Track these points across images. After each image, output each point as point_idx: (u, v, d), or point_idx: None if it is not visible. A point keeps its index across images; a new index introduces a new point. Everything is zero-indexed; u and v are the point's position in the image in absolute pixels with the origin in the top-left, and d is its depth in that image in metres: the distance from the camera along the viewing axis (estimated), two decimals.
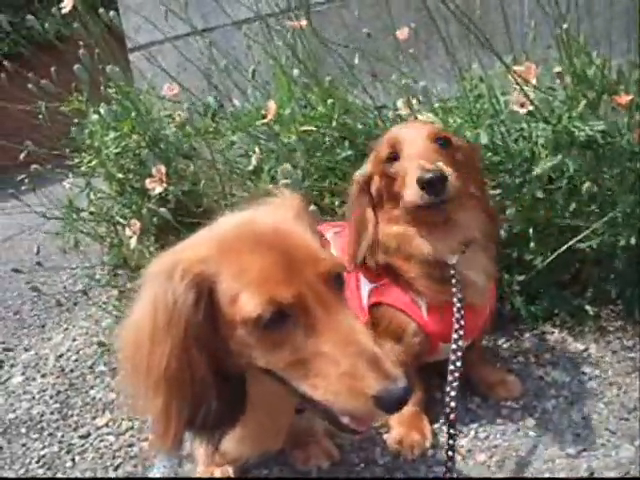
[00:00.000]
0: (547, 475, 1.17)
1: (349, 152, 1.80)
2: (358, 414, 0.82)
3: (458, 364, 1.14)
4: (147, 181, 1.74)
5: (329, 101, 1.81)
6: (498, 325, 1.64)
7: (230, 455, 1.14)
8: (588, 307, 1.62)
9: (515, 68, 1.42)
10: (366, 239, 1.28)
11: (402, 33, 1.81)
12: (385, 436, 1.34)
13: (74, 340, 2.14)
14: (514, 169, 1.55)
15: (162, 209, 1.78)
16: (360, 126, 1.87)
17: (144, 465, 1.40)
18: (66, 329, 2.28)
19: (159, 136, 2.19)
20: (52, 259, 2.99)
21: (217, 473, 1.22)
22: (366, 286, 1.35)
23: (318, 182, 1.86)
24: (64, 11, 1.87)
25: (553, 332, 1.65)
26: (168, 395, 0.82)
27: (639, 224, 1.45)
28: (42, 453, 1.52)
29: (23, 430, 1.64)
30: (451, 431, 1.07)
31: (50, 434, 1.59)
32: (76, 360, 1.99)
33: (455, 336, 1.17)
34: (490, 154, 1.58)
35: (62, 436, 1.57)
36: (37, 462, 1.49)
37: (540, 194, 1.52)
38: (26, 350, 2.16)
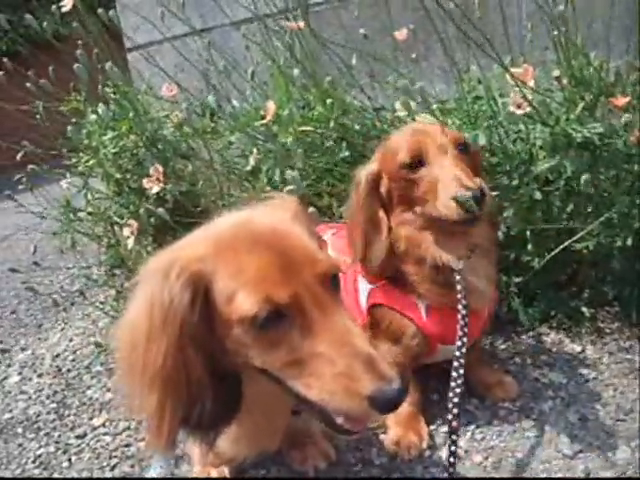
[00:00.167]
0: (544, 476, 1.18)
1: (347, 153, 1.80)
2: (353, 414, 0.82)
3: (461, 371, 1.14)
4: (145, 181, 1.73)
5: (328, 101, 1.81)
6: (496, 327, 1.65)
7: (226, 455, 1.14)
8: (585, 309, 1.62)
9: (513, 70, 1.43)
10: (380, 242, 1.24)
11: (401, 34, 1.80)
12: (382, 437, 1.34)
13: (71, 340, 2.14)
14: (512, 171, 1.55)
15: (160, 209, 1.78)
16: (358, 127, 1.87)
17: (141, 465, 1.40)
18: (63, 329, 2.27)
19: (157, 136, 2.18)
20: (49, 259, 2.99)
21: (213, 473, 1.22)
22: (365, 287, 1.35)
23: (316, 183, 1.85)
24: (64, 9, 1.87)
25: (550, 334, 1.65)
26: (163, 393, 0.82)
27: (635, 225, 1.46)
28: (38, 453, 1.51)
29: (19, 430, 1.63)
30: (453, 437, 1.07)
31: (46, 434, 1.59)
32: (73, 360, 1.98)
33: (459, 343, 1.17)
34: (488, 155, 1.59)
35: (59, 436, 1.57)
36: (33, 462, 1.48)
37: (538, 196, 1.52)
38: (23, 350, 2.16)
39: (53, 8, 2.00)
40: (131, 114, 2.16)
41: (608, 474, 1.15)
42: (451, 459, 1.07)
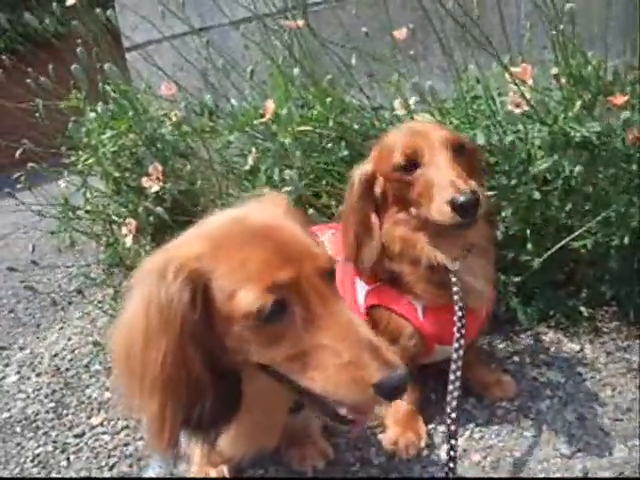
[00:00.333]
0: (542, 475, 1.18)
1: (346, 152, 1.80)
2: (358, 403, 0.82)
3: (458, 374, 1.14)
4: (143, 180, 1.73)
5: (327, 100, 1.81)
6: (494, 326, 1.65)
7: (225, 454, 1.14)
8: (583, 308, 1.62)
9: (511, 69, 1.43)
10: (371, 245, 1.24)
11: (400, 33, 1.80)
12: (380, 436, 1.34)
13: (69, 339, 2.14)
14: (510, 170, 1.55)
15: (158, 208, 1.78)
16: (357, 126, 1.87)
17: (139, 465, 1.40)
18: (61, 328, 2.27)
19: (156, 135, 2.18)
20: (47, 258, 2.98)
21: (212, 473, 1.22)
22: (362, 288, 1.34)
23: (315, 182, 1.85)
24: (68, 3, 1.88)
25: (548, 333, 1.65)
26: (164, 396, 0.82)
27: (633, 224, 1.46)
28: (37, 452, 1.51)
29: (18, 429, 1.63)
30: (452, 442, 1.07)
31: (45, 433, 1.59)
32: (71, 359, 1.98)
33: (456, 345, 1.16)
34: (487, 155, 1.59)
35: (57, 435, 1.57)
36: (32, 461, 1.48)
37: (536, 195, 1.52)
38: (21, 349, 2.16)
39: (54, 6, 2.01)
40: (130, 113, 2.16)
41: (606, 474, 1.15)
42: (450, 464, 1.07)
